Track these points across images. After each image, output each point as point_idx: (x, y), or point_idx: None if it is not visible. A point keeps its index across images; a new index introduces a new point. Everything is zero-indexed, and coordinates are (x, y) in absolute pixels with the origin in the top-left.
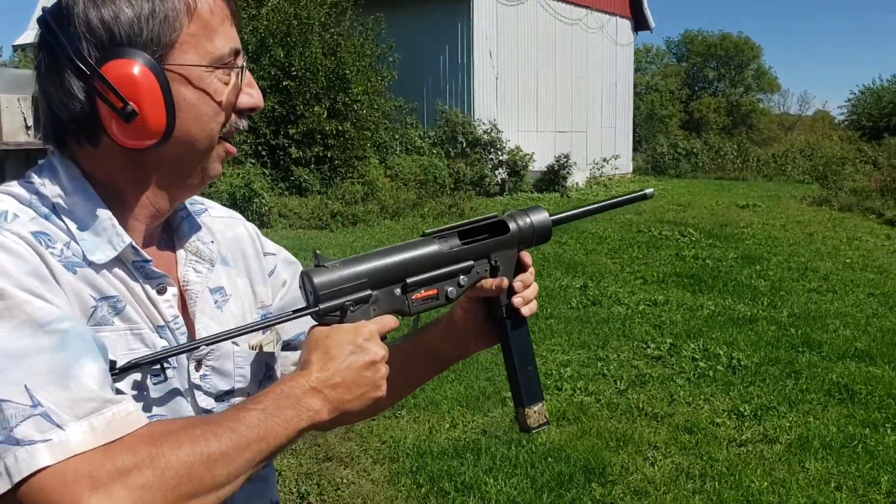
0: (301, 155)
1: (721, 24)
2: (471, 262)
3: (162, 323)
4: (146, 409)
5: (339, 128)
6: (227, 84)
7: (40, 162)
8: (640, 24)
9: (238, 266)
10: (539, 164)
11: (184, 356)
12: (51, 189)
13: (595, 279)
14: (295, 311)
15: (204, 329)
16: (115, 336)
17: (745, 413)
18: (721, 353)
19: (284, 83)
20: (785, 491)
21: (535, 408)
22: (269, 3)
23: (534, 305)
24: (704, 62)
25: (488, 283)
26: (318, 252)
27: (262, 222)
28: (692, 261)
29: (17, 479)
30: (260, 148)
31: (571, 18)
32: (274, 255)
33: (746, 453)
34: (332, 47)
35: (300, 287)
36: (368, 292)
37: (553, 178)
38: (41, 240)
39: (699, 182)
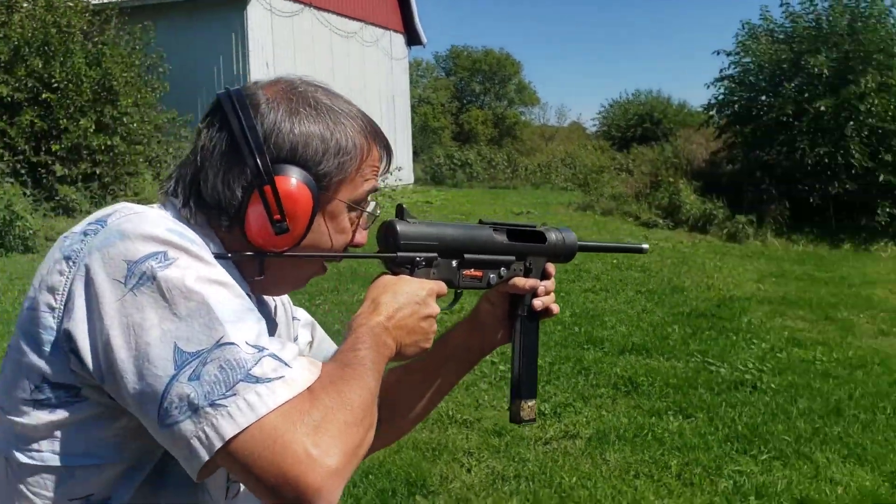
0: (67, 172)
1: (484, 41)
2: (513, 258)
3: None
4: None
5: (108, 142)
6: (352, 223)
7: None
8: (412, 38)
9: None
10: None
11: None
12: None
13: None
14: (376, 253)
15: None
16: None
17: (546, 412)
18: None
19: (44, 95)
20: (592, 484)
21: (530, 403)
22: (23, 10)
23: (556, 307)
24: (471, 76)
25: (521, 281)
26: (403, 205)
27: (26, 247)
28: None
29: (262, 412)
30: (19, 166)
31: (346, 31)
32: (298, 320)
33: (553, 451)
34: (97, 57)
35: (379, 234)
36: (435, 255)
37: None
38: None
39: (475, 191)
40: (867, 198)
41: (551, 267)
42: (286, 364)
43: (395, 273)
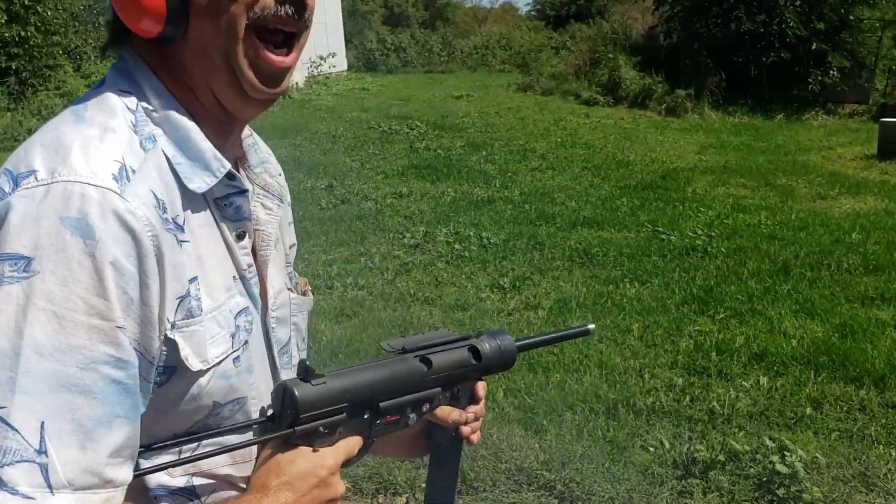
0: None
1: None
2: (438, 390)
3: (235, 273)
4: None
5: (22, 34)
6: None
7: (113, 62)
8: None
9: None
10: None
11: (256, 310)
12: (142, 103)
13: (338, 178)
14: (266, 436)
15: (273, 278)
16: (201, 328)
17: (505, 286)
18: (471, 234)
19: None
20: (559, 350)
21: None
22: None
23: (479, 434)
24: None
25: (446, 412)
26: (307, 362)
27: None
28: (425, 152)
29: None
30: None
31: None
32: (290, 205)
33: (517, 321)
34: None
35: (274, 396)
36: (343, 415)
37: None
38: (159, 206)
39: (411, 76)
40: (800, 67)
41: (481, 389)
42: (49, 489)
43: (291, 445)
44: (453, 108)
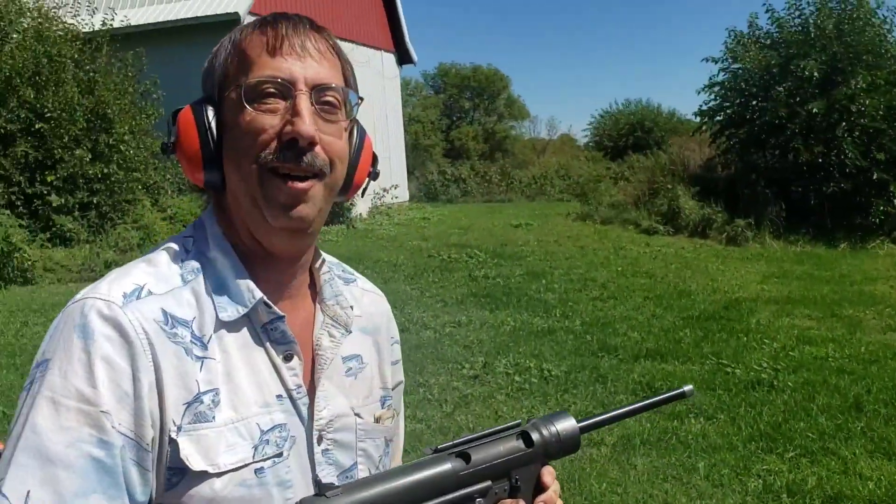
0: (63, 202)
1: (472, 57)
2: (489, 483)
3: (282, 392)
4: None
5: (105, 170)
6: (269, 113)
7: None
8: (403, 57)
9: (377, 341)
10: None
11: (302, 429)
12: (198, 245)
13: (398, 307)
14: None
15: (325, 397)
16: (213, 433)
17: None
18: (531, 365)
19: (37, 126)
20: (622, 489)
21: None
22: (13, 41)
23: None
24: (460, 93)
25: None
26: (320, 478)
27: (25, 279)
28: (484, 280)
29: None
30: (14, 198)
31: None
32: (398, 344)
33: (579, 459)
34: (89, 85)
35: None
36: None
37: (338, 210)
38: (168, 322)
39: (470, 206)
40: (861, 196)
41: (547, 475)
42: None
43: None
44: (512, 237)
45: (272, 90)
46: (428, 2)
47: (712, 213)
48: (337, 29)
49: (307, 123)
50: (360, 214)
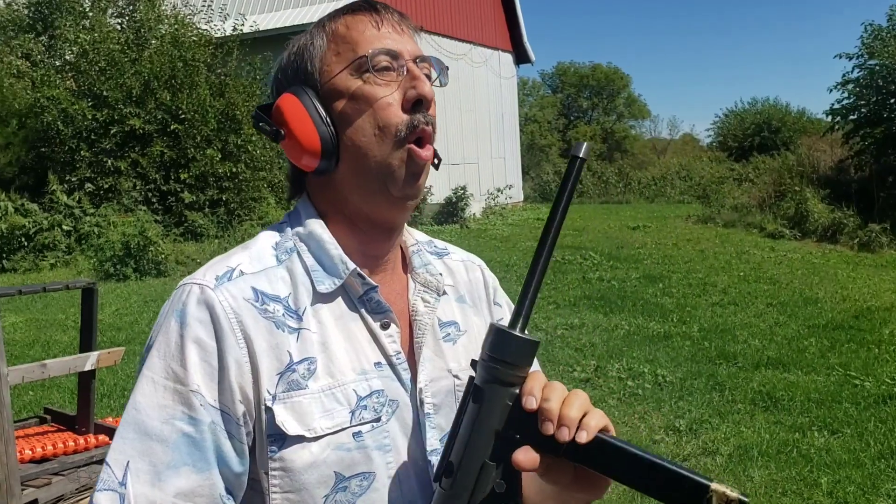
0: (195, 199)
1: (591, 56)
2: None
3: (381, 360)
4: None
5: (234, 169)
6: (387, 84)
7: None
8: (521, 57)
9: (476, 307)
10: (437, 196)
11: (404, 393)
12: (294, 228)
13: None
14: None
15: (424, 361)
16: (308, 400)
17: (681, 428)
18: (645, 370)
19: (172, 127)
20: None
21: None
22: (152, 46)
23: (591, 425)
24: (578, 92)
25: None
26: None
27: (159, 271)
28: (598, 283)
29: None
30: (150, 194)
31: (457, 53)
32: (501, 307)
33: (692, 467)
34: (220, 88)
35: None
36: None
37: (451, 209)
38: (258, 298)
39: (587, 207)
40: None
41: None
42: None
43: None
44: (629, 239)
45: (386, 64)
46: (548, 1)
47: (843, 217)
48: (456, 31)
49: (427, 84)
50: (474, 214)
